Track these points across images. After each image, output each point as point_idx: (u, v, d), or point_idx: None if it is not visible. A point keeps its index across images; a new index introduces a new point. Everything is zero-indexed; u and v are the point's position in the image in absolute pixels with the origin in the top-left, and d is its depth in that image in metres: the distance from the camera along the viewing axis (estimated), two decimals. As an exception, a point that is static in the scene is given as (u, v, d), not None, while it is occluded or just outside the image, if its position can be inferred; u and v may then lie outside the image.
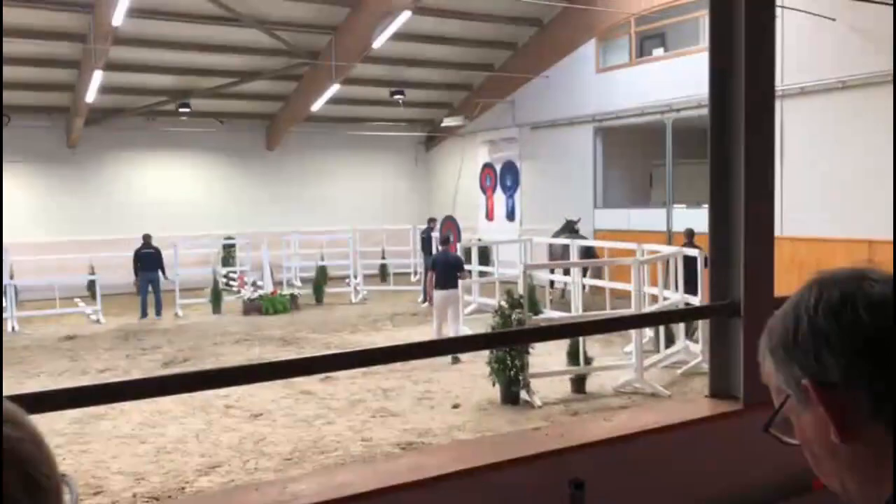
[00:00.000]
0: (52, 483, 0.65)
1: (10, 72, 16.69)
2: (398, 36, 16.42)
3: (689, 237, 12.46)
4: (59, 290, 16.08)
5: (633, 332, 9.51)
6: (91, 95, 16.70)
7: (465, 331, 12.69)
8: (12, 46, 15.61)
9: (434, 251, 14.73)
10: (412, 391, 9.49)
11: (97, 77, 15.86)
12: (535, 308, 11.66)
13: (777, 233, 2.83)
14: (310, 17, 16.97)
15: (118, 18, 13.53)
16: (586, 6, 16.41)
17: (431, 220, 18.48)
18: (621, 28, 17.32)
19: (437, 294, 11.75)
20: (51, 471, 0.66)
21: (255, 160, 21.69)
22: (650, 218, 16.78)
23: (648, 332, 10.70)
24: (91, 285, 16.64)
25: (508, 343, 7.61)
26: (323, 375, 9.28)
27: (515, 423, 8.00)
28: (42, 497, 0.64)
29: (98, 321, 15.32)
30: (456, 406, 8.83)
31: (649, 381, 9.31)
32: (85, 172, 19.69)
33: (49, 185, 19.40)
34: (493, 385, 8.88)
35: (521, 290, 9.64)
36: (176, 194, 20.57)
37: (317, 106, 19.43)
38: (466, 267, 14.96)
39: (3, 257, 16.10)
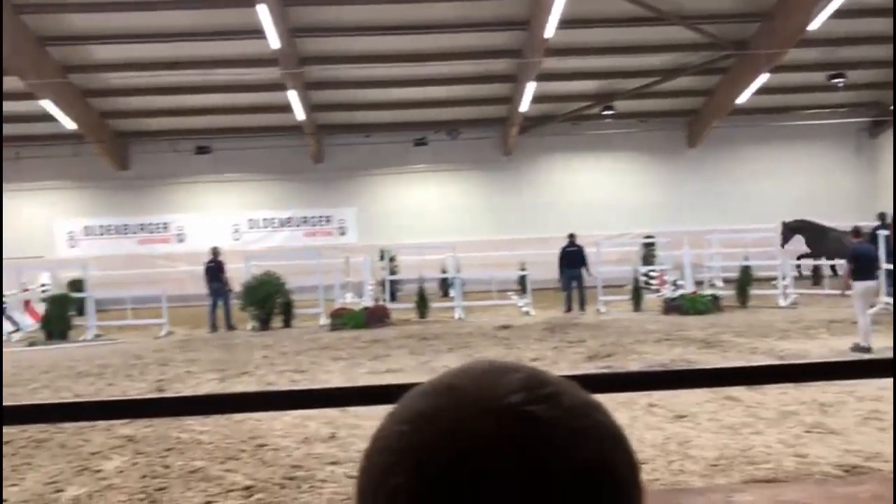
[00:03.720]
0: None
1: (454, 90, 19.01)
2: (839, 13, 14.80)
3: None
4: (495, 284, 17.80)
5: None
6: (525, 105, 18.14)
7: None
8: (452, 68, 17.71)
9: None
10: (855, 408, 8.44)
11: (530, 88, 17.17)
12: None
13: None
14: (736, 6, 16.23)
15: (550, 31, 14.45)
16: None
17: (881, 216, 16.33)
18: None
19: (856, 286, 11.34)
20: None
21: (675, 158, 21.46)
22: None
23: None
24: (521, 280, 18.09)
25: None
26: (750, 382, 8.78)
27: None
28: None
29: (528, 313, 16.58)
30: (913, 431, 7.64)
31: None
32: (518, 177, 21.52)
33: (488, 189, 21.64)
34: (964, 411, 7.48)
35: None
36: (597, 194, 21.36)
37: (743, 98, 18.48)
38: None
39: (452, 254, 18.24)
